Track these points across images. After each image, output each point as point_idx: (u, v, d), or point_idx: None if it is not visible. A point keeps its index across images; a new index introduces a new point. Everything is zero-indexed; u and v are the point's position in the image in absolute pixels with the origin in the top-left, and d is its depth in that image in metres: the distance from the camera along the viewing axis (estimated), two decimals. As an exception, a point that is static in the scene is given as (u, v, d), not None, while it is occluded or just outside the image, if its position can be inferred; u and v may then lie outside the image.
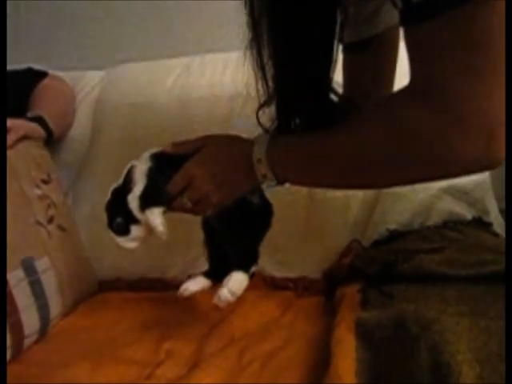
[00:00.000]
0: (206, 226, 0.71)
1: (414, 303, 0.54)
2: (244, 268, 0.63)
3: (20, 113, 0.96)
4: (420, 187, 0.85)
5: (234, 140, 0.62)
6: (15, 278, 0.73)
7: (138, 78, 1.03)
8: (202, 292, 0.69)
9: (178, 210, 0.63)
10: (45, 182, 0.91)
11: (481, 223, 0.84)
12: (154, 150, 0.65)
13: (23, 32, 1.32)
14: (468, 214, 0.84)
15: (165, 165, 0.62)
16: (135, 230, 0.62)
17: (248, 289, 0.63)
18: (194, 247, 0.86)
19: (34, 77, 1.05)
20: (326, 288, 0.82)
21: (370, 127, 0.48)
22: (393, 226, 0.84)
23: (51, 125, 0.97)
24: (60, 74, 1.09)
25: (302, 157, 0.55)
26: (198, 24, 1.23)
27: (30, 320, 0.74)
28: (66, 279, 0.84)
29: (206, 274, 0.70)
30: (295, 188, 0.83)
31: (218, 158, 0.60)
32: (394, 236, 0.83)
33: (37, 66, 1.09)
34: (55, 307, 0.81)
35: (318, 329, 0.69)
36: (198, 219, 0.70)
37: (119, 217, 0.62)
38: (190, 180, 0.60)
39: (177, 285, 0.69)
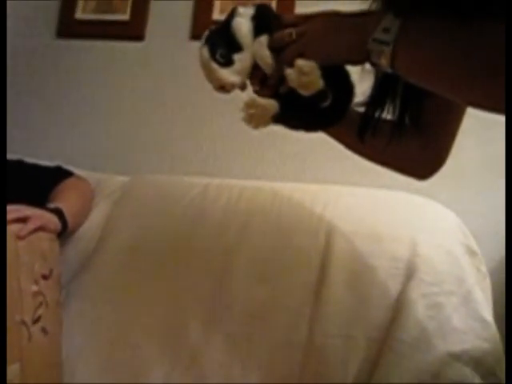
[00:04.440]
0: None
1: None
2: None
3: (41, 204, 1.00)
4: (426, 347, 0.80)
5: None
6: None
7: (157, 191, 1.08)
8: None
9: (275, 43, 0.58)
10: (45, 277, 0.90)
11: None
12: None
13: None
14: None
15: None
16: (239, 60, 0.58)
17: None
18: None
19: (61, 174, 1.13)
20: None
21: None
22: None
23: (68, 219, 1.00)
24: (86, 173, 1.15)
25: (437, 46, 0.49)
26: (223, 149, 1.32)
27: None
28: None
29: None
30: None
31: (334, 24, 0.57)
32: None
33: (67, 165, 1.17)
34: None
35: None
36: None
37: (222, 47, 0.58)
38: (302, 22, 0.58)
39: None
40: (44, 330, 0.85)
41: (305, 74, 0.55)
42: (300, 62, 0.54)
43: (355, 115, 0.70)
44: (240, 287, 0.93)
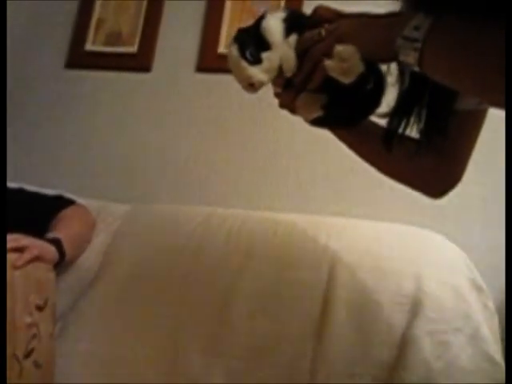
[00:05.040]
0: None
1: None
2: None
3: (41, 233, 0.99)
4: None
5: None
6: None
7: (158, 220, 1.08)
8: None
9: (304, 43, 0.59)
10: (39, 308, 0.89)
11: None
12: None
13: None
14: None
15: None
16: (267, 58, 0.59)
17: None
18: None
19: (62, 203, 1.12)
20: None
21: None
22: None
23: (66, 249, 0.99)
24: (88, 201, 1.15)
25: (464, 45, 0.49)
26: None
27: None
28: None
29: None
30: None
31: (365, 22, 0.58)
32: None
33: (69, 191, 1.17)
34: None
35: None
36: None
37: (251, 46, 0.59)
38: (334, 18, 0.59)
39: None
40: (36, 364, 0.83)
41: (345, 61, 0.55)
42: (339, 48, 0.55)
43: (371, 125, 0.71)
44: (240, 319, 0.91)
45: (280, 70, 0.61)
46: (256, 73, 0.59)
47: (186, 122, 1.41)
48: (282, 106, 0.67)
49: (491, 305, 0.93)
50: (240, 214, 1.07)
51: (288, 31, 0.60)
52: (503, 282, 1.12)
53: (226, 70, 1.45)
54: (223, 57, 1.38)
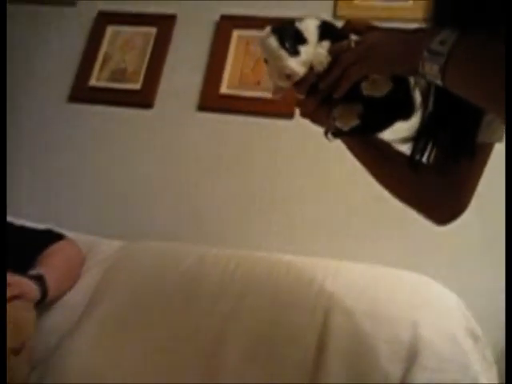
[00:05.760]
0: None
1: None
2: None
3: (27, 269, 0.96)
4: None
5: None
6: None
7: (151, 258, 1.06)
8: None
9: (335, 51, 0.61)
10: (15, 352, 0.84)
11: None
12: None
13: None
14: None
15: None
16: (305, 52, 0.61)
17: None
18: None
19: (50, 238, 1.09)
20: None
21: None
22: None
23: (50, 287, 0.96)
24: (80, 236, 1.13)
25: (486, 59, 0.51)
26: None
27: None
28: None
29: None
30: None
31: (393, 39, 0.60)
32: None
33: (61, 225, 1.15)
34: None
35: None
36: None
37: (289, 39, 0.61)
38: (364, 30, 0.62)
39: None
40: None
41: (376, 81, 0.60)
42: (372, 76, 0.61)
43: (385, 144, 0.73)
44: (231, 364, 0.88)
45: (307, 72, 0.63)
46: (295, 64, 0.61)
47: (185, 159, 1.42)
48: (304, 114, 0.68)
49: (489, 355, 0.91)
50: (234, 256, 1.05)
51: (320, 38, 0.63)
52: (499, 328, 1.11)
53: (226, 110, 1.49)
54: (225, 97, 1.45)
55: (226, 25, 1.53)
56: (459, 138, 0.67)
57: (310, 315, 0.91)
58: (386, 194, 1.24)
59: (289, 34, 0.62)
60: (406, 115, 0.67)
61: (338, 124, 0.66)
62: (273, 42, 0.62)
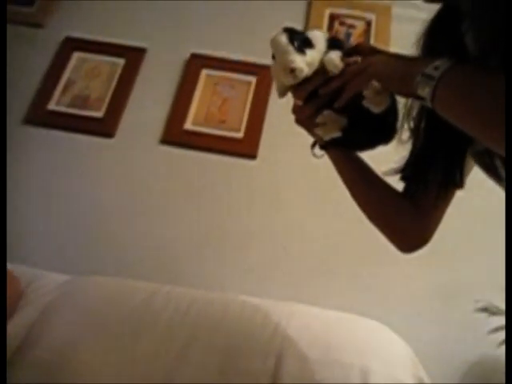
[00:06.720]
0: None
1: None
2: None
3: None
4: None
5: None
6: None
7: (98, 295, 0.99)
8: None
9: (347, 61, 0.64)
10: None
11: None
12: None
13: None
14: None
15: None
16: (310, 54, 0.64)
17: None
18: None
19: None
20: None
21: None
22: None
23: None
24: (20, 268, 1.05)
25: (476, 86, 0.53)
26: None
27: None
28: None
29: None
30: None
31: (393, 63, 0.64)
32: None
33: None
34: None
35: None
36: None
37: (299, 39, 0.64)
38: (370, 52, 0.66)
39: None
40: None
41: (379, 93, 0.63)
42: (375, 83, 0.63)
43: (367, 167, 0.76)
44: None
45: (302, 83, 0.65)
46: (300, 60, 0.64)
47: (143, 192, 1.39)
48: (299, 122, 0.70)
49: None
50: (187, 294, 1.01)
51: (328, 49, 0.67)
52: (446, 375, 1.13)
53: (190, 146, 1.48)
54: (189, 133, 1.45)
55: (196, 63, 1.56)
56: (449, 171, 0.71)
57: (262, 361, 0.89)
58: (338, 240, 1.28)
59: (299, 37, 0.66)
60: (386, 140, 0.71)
61: (319, 131, 0.69)
62: (283, 38, 0.66)
